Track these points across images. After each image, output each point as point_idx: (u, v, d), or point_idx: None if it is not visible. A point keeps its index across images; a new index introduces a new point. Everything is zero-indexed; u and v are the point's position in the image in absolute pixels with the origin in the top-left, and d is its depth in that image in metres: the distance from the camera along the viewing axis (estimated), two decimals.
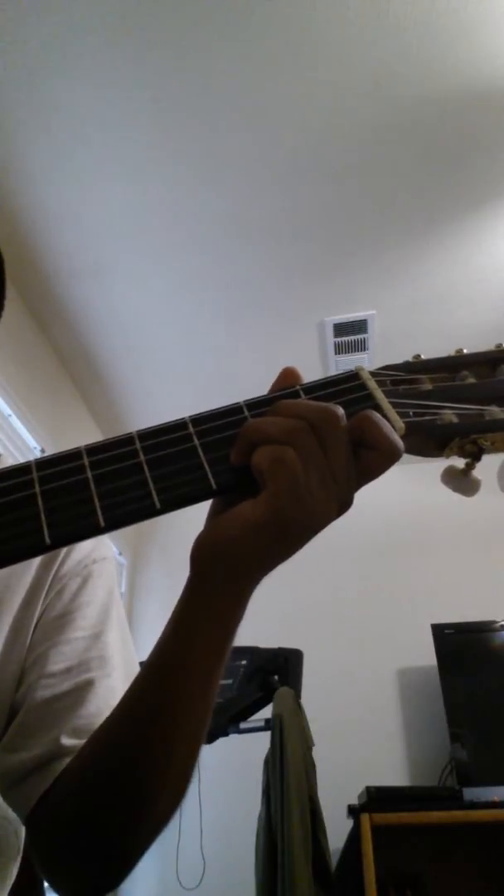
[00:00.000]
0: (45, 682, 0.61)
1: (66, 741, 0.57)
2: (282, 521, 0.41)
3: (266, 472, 0.41)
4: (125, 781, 0.51)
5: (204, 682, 0.48)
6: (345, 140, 2.00)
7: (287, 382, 0.48)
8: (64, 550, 0.69)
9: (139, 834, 0.53)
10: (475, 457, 0.48)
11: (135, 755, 0.50)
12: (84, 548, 0.71)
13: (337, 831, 2.11)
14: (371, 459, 0.43)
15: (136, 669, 0.68)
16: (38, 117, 1.89)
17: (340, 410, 0.43)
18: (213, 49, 1.76)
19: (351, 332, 2.70)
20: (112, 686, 0.62)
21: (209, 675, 0.48)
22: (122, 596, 3.34)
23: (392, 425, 0.44)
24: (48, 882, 0.59)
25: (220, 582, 0.45)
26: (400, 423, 0.45)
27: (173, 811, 0.53)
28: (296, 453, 0.41)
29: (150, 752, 0.49)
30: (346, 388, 0.48)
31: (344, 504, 0.43)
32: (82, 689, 0.61)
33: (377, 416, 0.44)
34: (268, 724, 2.07)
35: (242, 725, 2.14)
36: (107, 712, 0.59)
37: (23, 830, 0.64)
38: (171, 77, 1.82)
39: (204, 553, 0.45)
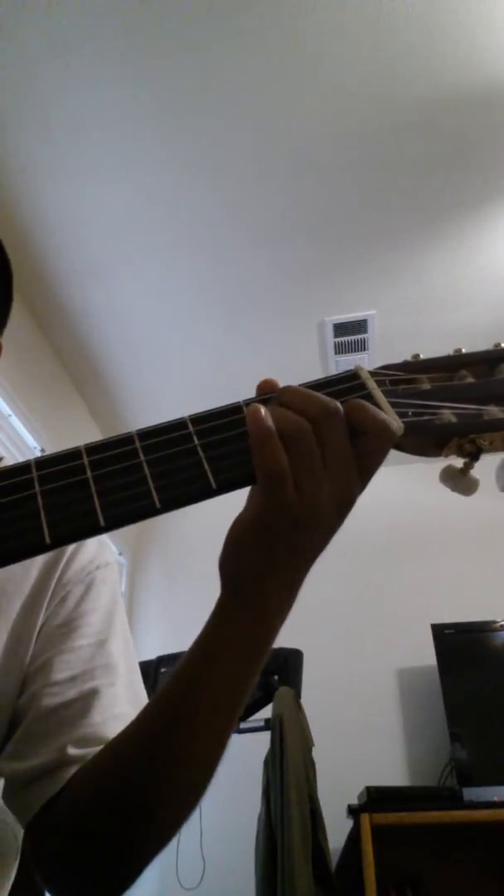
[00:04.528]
0: (51, 691, 0.61)
1: (73, 750, 0.57)
2: (265, 520, 0.43)
3: (256, 471, 0.42)
4: (141, 790, 0.51)
5: (226, 700, 0.49)
6: (345, 140, 2.00)
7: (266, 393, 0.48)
8: (66, 557, 0.69)
9: (150, 841, 0.53)
10: (473, 456, 0.48)
11: (152, 764, 0.50)
12: (87, 554, 0.71)
13: (337, 831, 2.11)
14: (367, 444, 0.43)
15: (139, 676, 0.69)
16: (38, 117, 1.89)
17: (339, 406, 0.43)
18: (213, 49, 1.76)
19: (351, 332, 2.70)
20: (116, 694, 0.62)
21: (232, 694, 0.49)
22: (122, 596, 3.34)
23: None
24: (47, 889, 0.58)
25: (235, 592, 0.46)
26: (399, 423, 0.45)
27: (185, 818, 0.53)
28: (290, 464, 0.42)
29: (167, 762, 0.49)
30: (346, 387, 0.48)
31: (344, 501, 0.43)
32: (88, 698, 0.61)
33: (363, 402, 0.44)
34: (268, 724, 2.07)
35: (242, 725, 2.14)
36: (111, 721, 0.59)
37: (21, 832, 0.63)
38: (170, 77, 1.82)
39: (220, 562, 0.47)
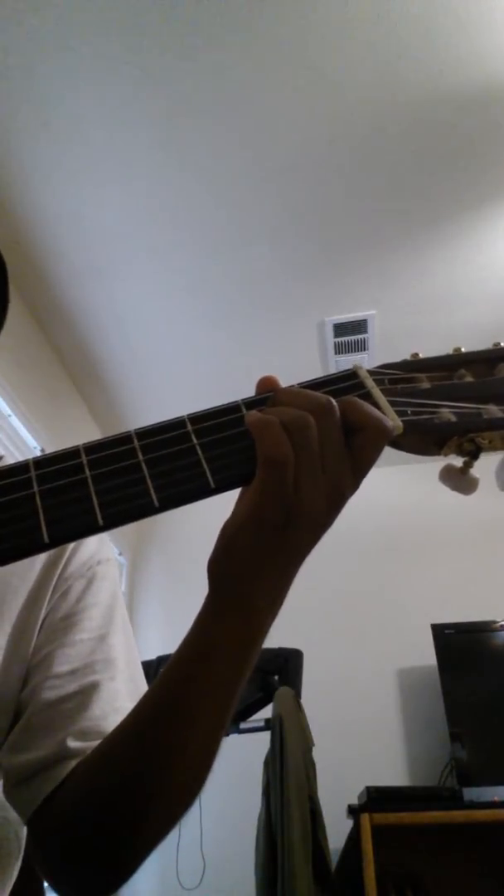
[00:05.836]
0: (51, 684, 0.61)
1: (73, 744, 0.57)
2: (258, 515, 0.43)
3: (259, 459, 0.42)
4: (134, 787, 0.51)
5: (218, 700, 0.48)
6: (345, 140, 2.00)
7: (266, 390, 0.48)
8: (68, 552, 0.70)
9: (144, 838, 0.53)
10: (473, 455, 0.48)
11: (145, 763, 0.50)
12: (88, 549, 0.71)
13: (337, 831, 2.11)
14: (362, 441, 0.43)
15: (139, 670, 0.69)
16: (38, 117, 1.89)
17: (332, 401, 0.44)
18: (213, 49, 1.76)
19: (351, 332, 2.70)
20: (116, 688, 0.63)
21: (224, 694, 0.48)
22: (122, 595, 3.34)
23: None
24: (49, 883, 0.59)
25: (224, 593, 0.46)
26: (398, 422, 0.45)
27: (179, 817, 0.53)
28: (293, 452, 0.42)
29: (159, 761, 0.50)
30: (344, 386, 0.48)
31: (337, 497, 0.43)
32: (88, 692, 0.61)
33: (357, 399, 0.45)
34: (268, 724, 2.07)
35: (242, 725, 2.14)
36: (111, 715, 0.59)
37: (23, 831, 0.64)
38: (170, 78, 1.82)
39: (210, 564, 0.46)
